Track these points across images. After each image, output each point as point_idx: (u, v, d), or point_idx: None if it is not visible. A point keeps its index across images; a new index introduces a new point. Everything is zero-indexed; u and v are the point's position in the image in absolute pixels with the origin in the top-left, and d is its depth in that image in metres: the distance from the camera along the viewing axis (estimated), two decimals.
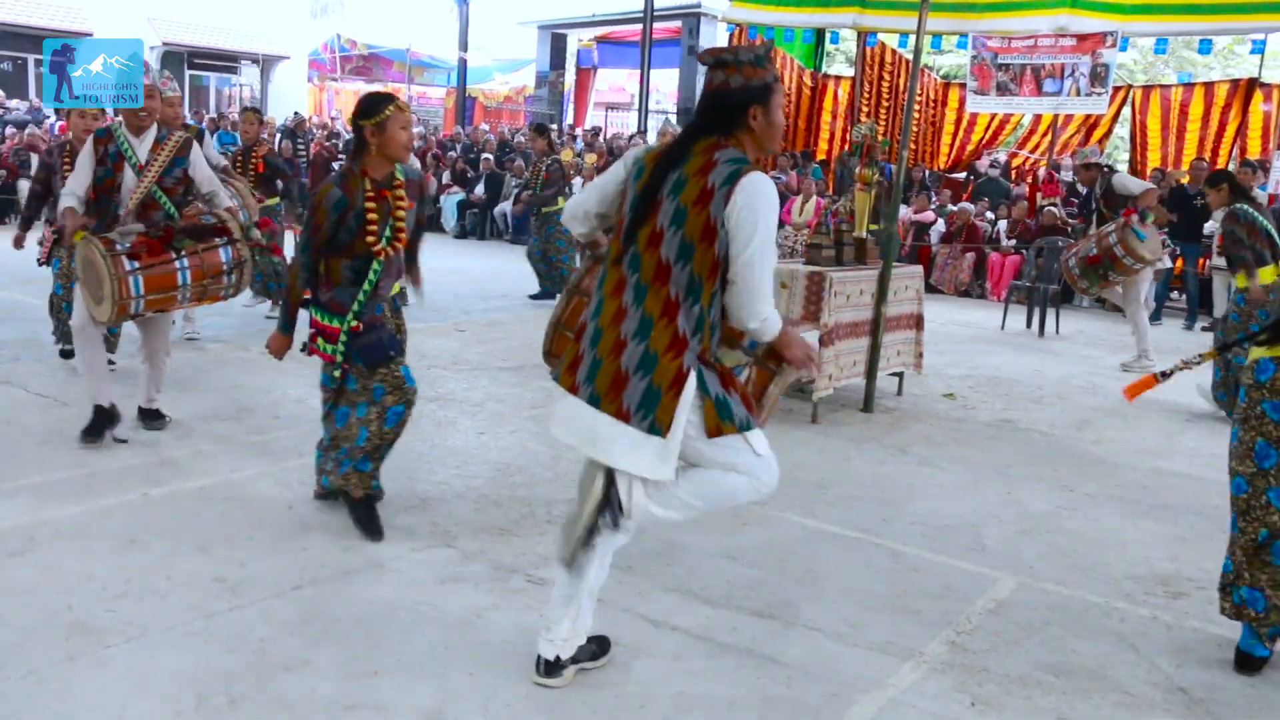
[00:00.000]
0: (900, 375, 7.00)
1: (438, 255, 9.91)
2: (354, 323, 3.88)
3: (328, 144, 19.22)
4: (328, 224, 3.82)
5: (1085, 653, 3.39)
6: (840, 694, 3.05)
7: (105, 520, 4.02)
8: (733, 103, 2.71)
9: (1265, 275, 6.51)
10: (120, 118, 4.91)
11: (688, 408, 2.67)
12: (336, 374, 3.96)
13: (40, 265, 6.29)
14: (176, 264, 4.62)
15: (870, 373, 6.50)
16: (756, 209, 2.61)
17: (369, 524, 4.00)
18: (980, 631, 3.51)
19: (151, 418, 5.25)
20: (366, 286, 3.90)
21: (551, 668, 2.97)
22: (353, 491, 4.03)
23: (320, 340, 3.97)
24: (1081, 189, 9.87)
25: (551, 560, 3.88)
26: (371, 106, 3.84)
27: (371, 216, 3.85)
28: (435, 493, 4.58)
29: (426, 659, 3.11)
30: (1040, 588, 3.91)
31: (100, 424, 4.86)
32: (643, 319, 2.68)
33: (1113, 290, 8.80)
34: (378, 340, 3.91)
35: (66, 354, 6.41)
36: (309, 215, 3.87)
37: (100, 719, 2.71)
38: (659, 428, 2.65)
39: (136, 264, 4.49)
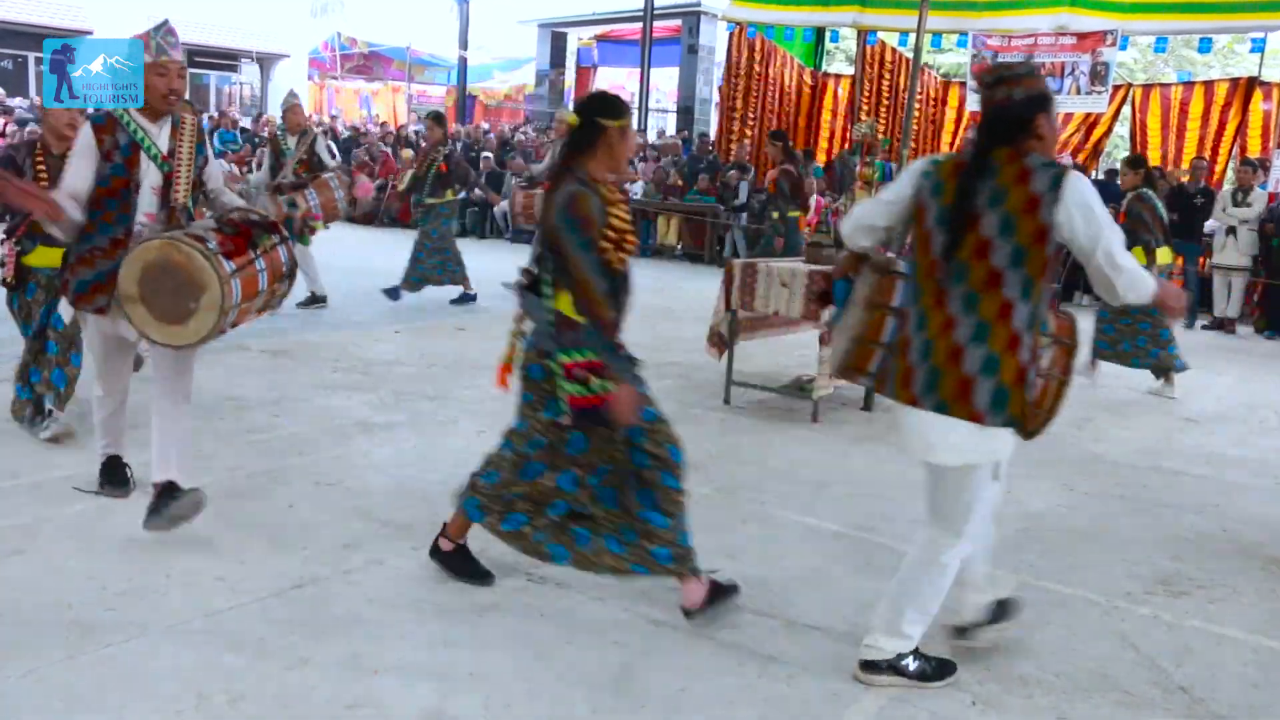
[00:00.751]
0: None
1: None
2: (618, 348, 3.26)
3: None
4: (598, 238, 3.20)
5: (1085, 652, 3.39)
6: (841, 693, 3.05)
7: (106, 519, 4.01)
8: (1020, 114, 2.88)
9: (1161, 256, 7.45)
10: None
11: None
12: (564, 419, 3.25)
13: (9, 289, 5.02)
14: (257, 265, 3.77)
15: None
16: (1090, 204, 2.79)
17: (468, 571, 3.63)
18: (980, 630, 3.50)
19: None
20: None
21: (961, 632, 3.28)
22: (445, 536, 3.61)
23: (596, 380, 3.19)
24: None
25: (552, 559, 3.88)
26: (619, 106, 3.32)
27: (627, 223, 3.28)
28: (435, 491, 4.57)
29: (427, 658, 3.11)
30: (1040, 586, 3.90)
31: (120, 473, 4.19)
32: (978, 324, 2.83)
33: None
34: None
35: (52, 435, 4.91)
36: (588, 231, 3.14)
37: (100, 718, 2.71)
38: (1017, 420, 2.87)
39: (233, 265, 3.64)
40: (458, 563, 3.66)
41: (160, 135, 3.83)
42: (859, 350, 3.22)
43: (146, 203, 3.80)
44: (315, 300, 8.90)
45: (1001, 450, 2.95)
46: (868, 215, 3.14)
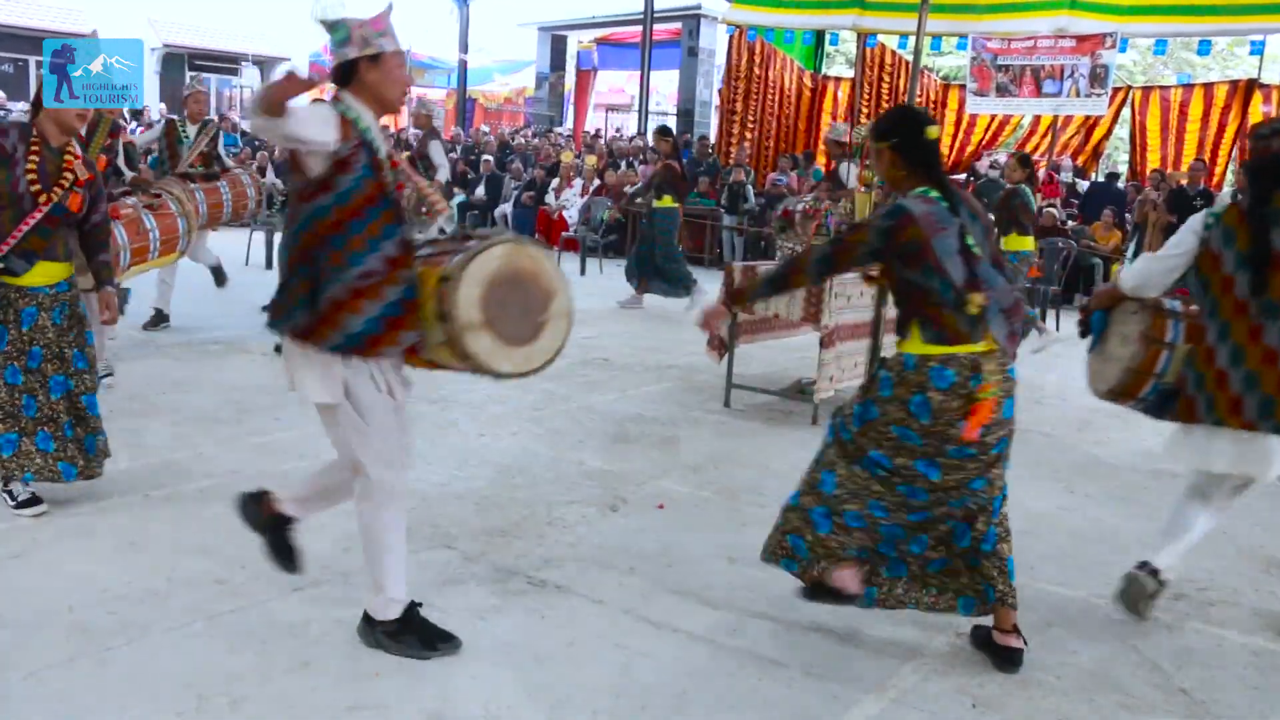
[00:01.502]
0: None
1: None
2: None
3: None
4: None
5: (1086, 653, 3.39)
6: (841, 695, 3.05)
7: (106, 521, 4.01)
8: None
9: (1027, 243, 8.68)
10: (355, 91, 2.92)
11: None
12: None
13: None
14: None
15: None
16: None
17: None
18: None
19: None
20: None
21: (1155, 574, 3.53)
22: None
23: None
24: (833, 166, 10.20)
25: (553, 563, 3.89)
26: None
27: None
28: (435, 494, 4.58)
29: (428, 660, 3.11)
30: (1041, 588, 3.90)
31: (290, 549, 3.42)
32: None
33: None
34: None
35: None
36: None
37: None
38: None
39: None
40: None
41: (379, 137, 2.98)
42: (1134, 379, 3.52)
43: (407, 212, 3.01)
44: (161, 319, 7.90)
45: None
46: (1159, 271, 3.46)
